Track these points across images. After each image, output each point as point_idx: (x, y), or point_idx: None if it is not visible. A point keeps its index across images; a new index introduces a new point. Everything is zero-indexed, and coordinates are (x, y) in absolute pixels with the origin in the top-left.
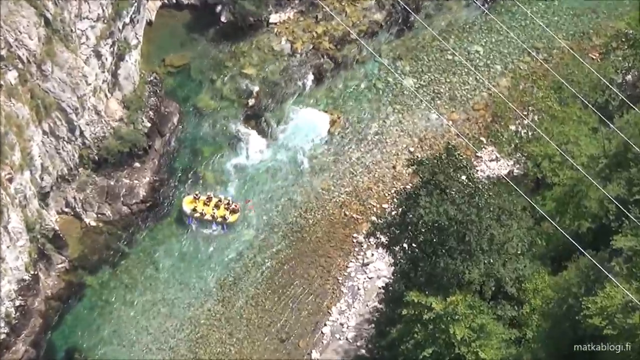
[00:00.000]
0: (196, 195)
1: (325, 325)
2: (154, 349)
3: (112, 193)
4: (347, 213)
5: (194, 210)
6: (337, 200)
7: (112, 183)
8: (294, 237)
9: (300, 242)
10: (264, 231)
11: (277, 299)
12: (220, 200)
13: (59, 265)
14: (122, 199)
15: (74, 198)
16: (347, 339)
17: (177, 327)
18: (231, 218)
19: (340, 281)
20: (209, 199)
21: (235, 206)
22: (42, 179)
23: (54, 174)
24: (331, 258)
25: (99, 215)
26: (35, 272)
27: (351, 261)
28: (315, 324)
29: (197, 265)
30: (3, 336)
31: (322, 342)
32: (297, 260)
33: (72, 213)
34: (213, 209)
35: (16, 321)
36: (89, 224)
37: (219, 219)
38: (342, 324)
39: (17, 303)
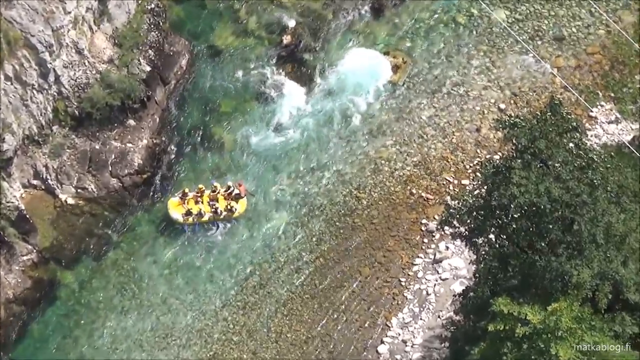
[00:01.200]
0: (182, 194)
1: (382, 342)
2: None
3: (97, 160)
4: (414, 191)
5: (188, 213)
6: (401, 174)
7: (97, 147)
8: (342, 223)
9: (351, 230)
10: (301, 215)
11: (318, 306)
12: (215, 190)
13: (25, 257)
14: (110, 168)
15: (46, 166)
16: None
17: (183, 343)
18: (239, 207)
19: (403, 283)
20: (200, 192)
21: (240, 187)
22: (2, 140)
23: (19, 134)
24: (392, 252)
25: (79, 190)
26: None
27: (419, 256)
28: (368, 341)
29: (210, 259)
30: None
31: None
32: (345, 255)
33: (43, 187)
34: (211, 204)
35: None
36: (66, 201)
37: (224, 214)
38: (404, 342)
39: None
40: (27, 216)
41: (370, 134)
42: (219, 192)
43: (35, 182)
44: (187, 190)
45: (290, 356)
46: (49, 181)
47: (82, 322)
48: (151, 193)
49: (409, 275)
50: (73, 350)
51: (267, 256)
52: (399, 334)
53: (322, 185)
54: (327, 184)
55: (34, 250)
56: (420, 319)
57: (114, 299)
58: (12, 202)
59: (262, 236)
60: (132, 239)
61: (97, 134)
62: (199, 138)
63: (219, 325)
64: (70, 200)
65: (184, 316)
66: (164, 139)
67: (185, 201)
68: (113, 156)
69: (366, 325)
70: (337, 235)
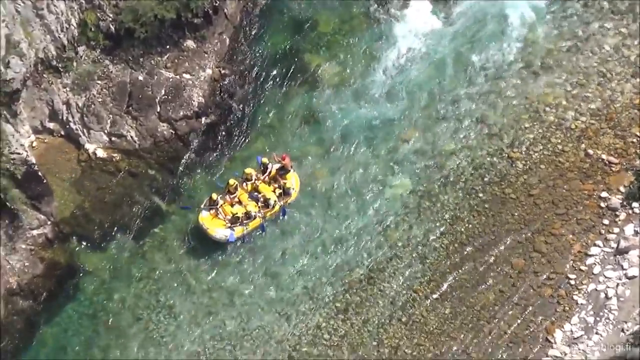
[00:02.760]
0: (210, 203)
1: None
2: None
3: (139, 97)
4: (591, 152)
5: (234, 221)
6: (573, 127)
7: (140, 78)
8: (486, 194)
9: (499, 205)
10: (430, 181)
11: (450, 311)
12: (248, 179)
13: (34, 232)
14: (158, 108)
15: (67, 104)
16: None
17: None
18: (294, 184)
19: (572, 282)
20: (233, 189)
21: (283, 158)
22: (7, 65)
23: (30, 57)
24: (557, 237)
25: (114, 139)
26: None
27: (595, 244)
28: None
29: (295, 240)
30: None
31: None
32: (491, 239)
33: (62, 132)
34: (255, 196)
35: None
36: (94, 154)
37: (280, 202)
38: None
39: None
40: (39, 173)
41: (528, 69)
42: (256, 180)
43: (51, 125)
44: (214, 196)
45: None
46: (71, 124)
47: (115, 325)
48: (216, 145)
49: (580, 270)
50: None
51: (379, 238)
52: (566, 354)
53: (459, 139)
54: (466, 139)
55: (48, 222)
56: (596, 332)
57: (160, 295)
58: (18, 153)
59: (372, 211)
60: (188, 211)
61: (141, 59)
62: (286, 68)
63: (308, 334)
64: (101, 153)
65: (258, 320)
66: (235, 68)
67: (219, 210)
68: (163, 91)
69: (519, 339)
70: (480, 212)
